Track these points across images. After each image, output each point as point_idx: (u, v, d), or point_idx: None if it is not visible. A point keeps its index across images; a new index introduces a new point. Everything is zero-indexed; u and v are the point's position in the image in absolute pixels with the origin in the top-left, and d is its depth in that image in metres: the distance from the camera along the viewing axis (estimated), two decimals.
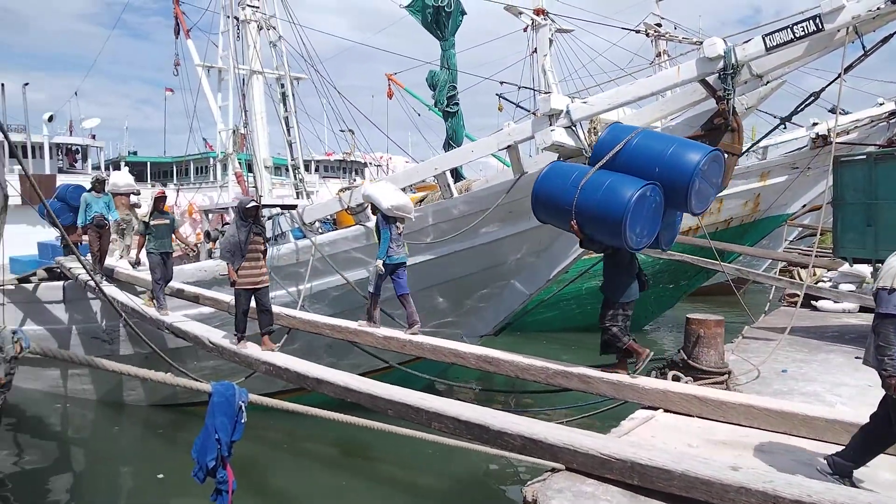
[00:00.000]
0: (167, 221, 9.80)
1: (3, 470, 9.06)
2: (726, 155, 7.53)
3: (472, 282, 9.88)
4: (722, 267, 11.66)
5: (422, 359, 8.18)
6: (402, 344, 7.81)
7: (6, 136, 5.66)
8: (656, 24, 22.42)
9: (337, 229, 10.53)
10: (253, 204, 7.81)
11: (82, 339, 11.67)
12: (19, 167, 16.53)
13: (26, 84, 25.41)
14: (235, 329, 7.98)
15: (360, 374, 7.24)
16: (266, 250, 8.04)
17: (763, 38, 6.50)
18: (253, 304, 7.94)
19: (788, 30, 6.34)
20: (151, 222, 9.65)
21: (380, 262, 7.96)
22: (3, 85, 24.43)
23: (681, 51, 21.59)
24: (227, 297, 9.65)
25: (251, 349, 7.84)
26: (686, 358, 6.82)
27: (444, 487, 8.54)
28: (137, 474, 9.14)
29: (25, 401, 11.79)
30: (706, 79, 6.89)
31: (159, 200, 9.97)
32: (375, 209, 8.25)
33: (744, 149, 8.00)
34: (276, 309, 8.79)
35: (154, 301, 9.61)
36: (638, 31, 21.13)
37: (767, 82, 7.32)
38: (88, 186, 11.46)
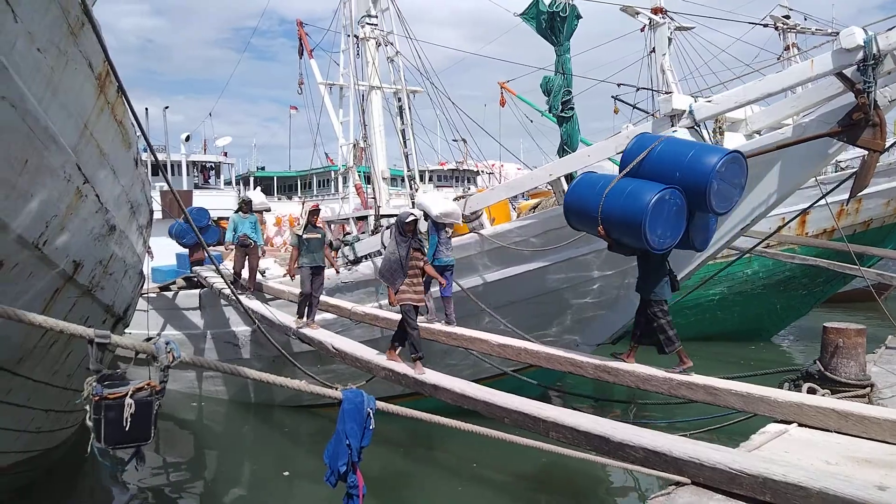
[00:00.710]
0: (319, 236, 9.54)
1: (148, 464, 9.81)
2: (866, 152, 7.07)
3: (589, 289, 9.71)
4: (861, 272, 10.84)
5: (535, 367, 8.13)
6: (517, 352, 7.79)
7: (155, 157, 6.15)
8: (784, 17, 21.19)
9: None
10: (413, 218, 7.30)
11: (216, 343, 12.47)
12: (160, 183, 17.97)
13: (166, 107, 27.85)
14: (413, 350, 7.39)
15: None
16: (423, 265, 7.68)
17: None
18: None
19: None
20: (305, 236, 9.39)
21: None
22: (147, 109, 26.73)
23: (812, 43, 20.38)
24: (348, 305, 10.04)
25: (370, 355, 8.07)
26: (823, 369, 6.42)
27: (560, 497, 8.42)
28: (265, 471, 9.62)
29: (165, 400, 12.65)
30: (843, 72, 6.46)
31: (313, 214, 9.68)
32: (427, 216, 8.86)
33: (887, 145, 7.43)
34: (392, 315, 9.04)
35: (303, 318, 9.41)
36: (765, 25, 20.05)
37: None
38: (235, 207, 12.18)
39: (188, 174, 27.62)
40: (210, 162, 30.82)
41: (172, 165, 26.68)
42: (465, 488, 8.71)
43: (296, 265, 9.46)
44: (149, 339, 4.00)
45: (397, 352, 7.82)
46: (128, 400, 3.63)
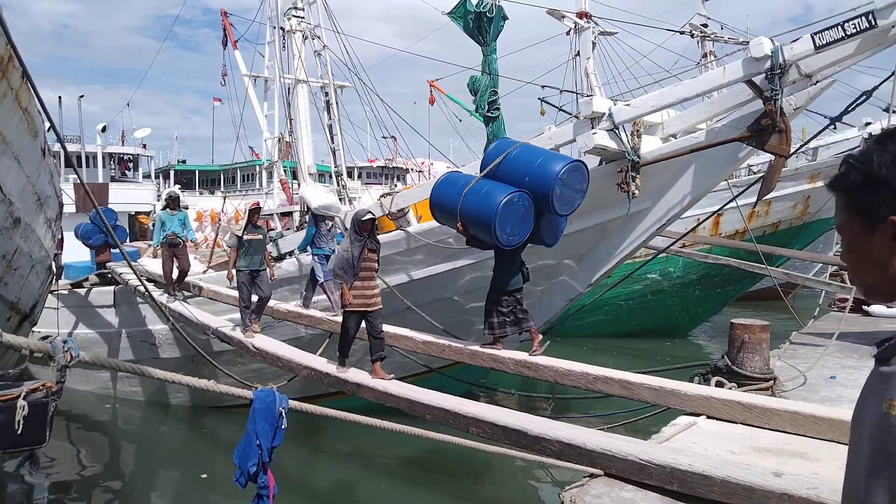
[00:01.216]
0: (260, 236, 8.82)
1: (56, 469, 9.36)
2: (773, 157, 7.43)
3: None
4: (769, 271, 11.38)
5: (460, 364, 8.18)
6: (441, 349, 7.83)
7: (63, 147, 5.88)
8: (702, 25, 22.06)
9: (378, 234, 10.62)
10: (370, 216, 7.01)
11: (131, 342, 12.00)
12: (74, 176, 17.20)
13: (81, 96, 26.41)
14: (339, 352, 7.24)
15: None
16: (378, 268, 7.34)
17: (812, 37, 6.34)
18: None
19: (839, 27, 6.16)
20: (245, 236, 8.64)
21: (297, 252, 9.36)
22: (60, 98, 25.47)
23: (727, 51, 21.24)
24: (270, 302, 9.83)
25: (291, 353, 7.94)
26: (730, 364, 6.71)
27: (481, 492, 8.52)
28: (182, 474, 9.34)
29: (78, 402, 12.15)
30: (753, 79, 6.77)
31: (254, 213, 8.90)
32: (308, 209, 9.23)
33: (792, 150, 7.82)
34: (315, 313, 8.91)
35: (248, 323, 8.78)
36: (683, 33, 20.82)
37: (817, 82, 7.13)
38: (154, 201, 11.55)
39: (104, 166, 26.44)
40: (128, 154, 29.61)
41: (87, 157, 25.45)
42: (388, 485, 8.69)
43: (234, 269, 8.92)
44: (45, 338, 3.79)
45: (391, 376, 7.18)
46: (20, 402, 3.42)
